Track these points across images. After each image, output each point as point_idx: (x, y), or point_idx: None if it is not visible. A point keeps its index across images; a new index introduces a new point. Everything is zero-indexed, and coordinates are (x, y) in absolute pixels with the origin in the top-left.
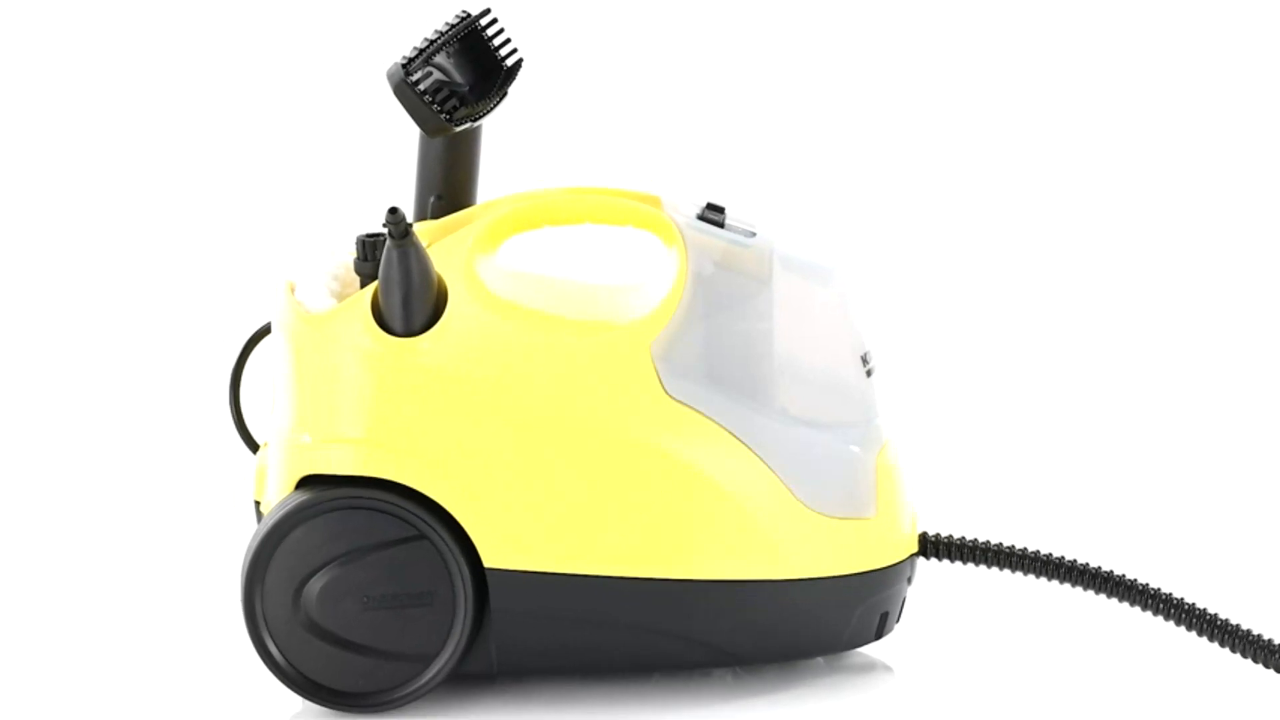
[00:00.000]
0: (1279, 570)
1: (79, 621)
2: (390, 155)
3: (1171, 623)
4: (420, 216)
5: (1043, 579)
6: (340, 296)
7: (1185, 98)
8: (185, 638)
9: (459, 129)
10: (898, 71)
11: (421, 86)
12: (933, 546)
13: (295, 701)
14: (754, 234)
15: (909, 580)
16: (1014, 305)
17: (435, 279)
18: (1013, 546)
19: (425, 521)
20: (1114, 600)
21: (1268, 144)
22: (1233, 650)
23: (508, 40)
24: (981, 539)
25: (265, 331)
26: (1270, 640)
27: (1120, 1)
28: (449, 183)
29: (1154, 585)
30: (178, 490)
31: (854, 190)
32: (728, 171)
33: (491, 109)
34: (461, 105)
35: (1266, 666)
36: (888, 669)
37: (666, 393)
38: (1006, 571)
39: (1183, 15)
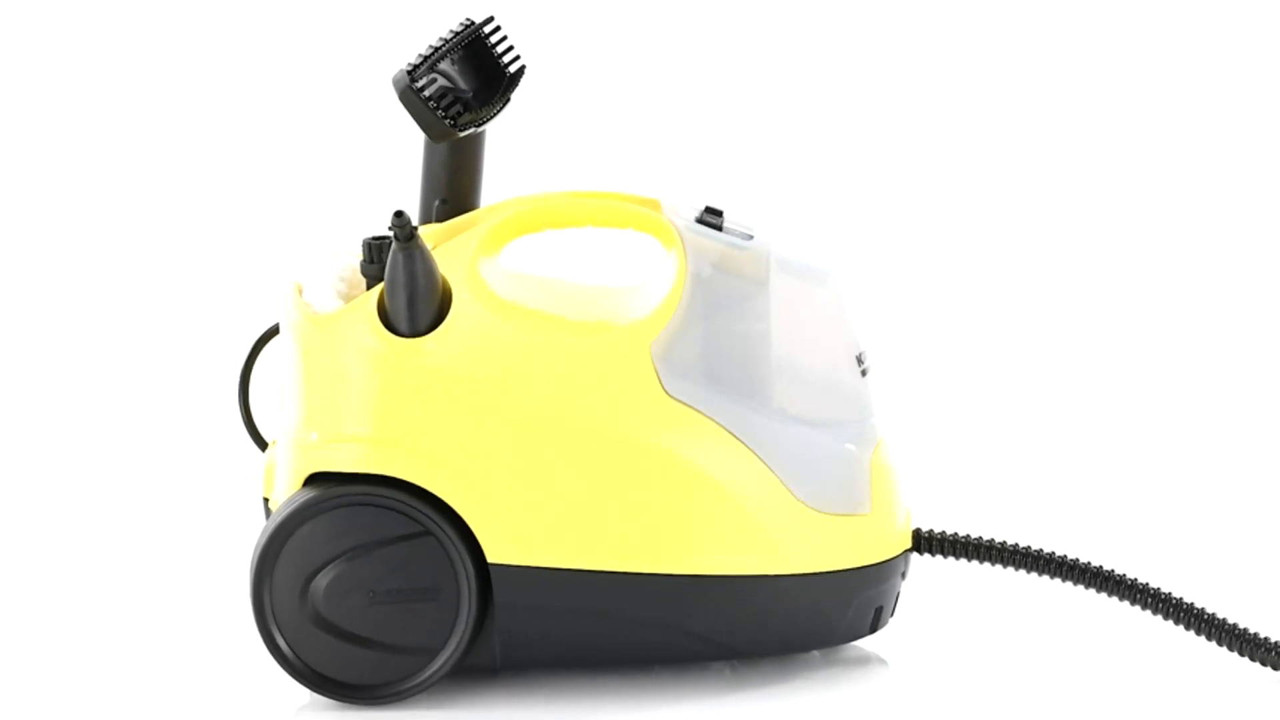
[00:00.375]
0: (1268, 565)
1: (91, 615)
2: (395, 160)
3: (1160, 617)
4: (425, 220)
5: (1033, 574)
6: (347, 298)
7: (1178, 99)
8: (195, 631)
9: (463, 134)
10: (890, 78)
11: (426, 93)
12: (926, 542)
13: (302, 694)
14: (751, 237)
15: (903, 575)
16: (1005, 307)
17: (440, 281)
18: (1004, 542)
19: (430, 518)
20: (1103, 595)
21: (1264, 144)
22: (1220, 644)
23: (511, 47)
24: (974, 535)
25: (273, 332)
26: (1258, 634)
27: (1117, 2)
28: (453, 187)
29: (1142, 580)
30: (189, 487)
31: (849, 194)
32: (726, 175)
33: (495, 114)
34: (465, 111)
35: (1253, 660)
36: (882, 662)
37: (666, 392)
38: (998, 567)
39: (1180, 15)
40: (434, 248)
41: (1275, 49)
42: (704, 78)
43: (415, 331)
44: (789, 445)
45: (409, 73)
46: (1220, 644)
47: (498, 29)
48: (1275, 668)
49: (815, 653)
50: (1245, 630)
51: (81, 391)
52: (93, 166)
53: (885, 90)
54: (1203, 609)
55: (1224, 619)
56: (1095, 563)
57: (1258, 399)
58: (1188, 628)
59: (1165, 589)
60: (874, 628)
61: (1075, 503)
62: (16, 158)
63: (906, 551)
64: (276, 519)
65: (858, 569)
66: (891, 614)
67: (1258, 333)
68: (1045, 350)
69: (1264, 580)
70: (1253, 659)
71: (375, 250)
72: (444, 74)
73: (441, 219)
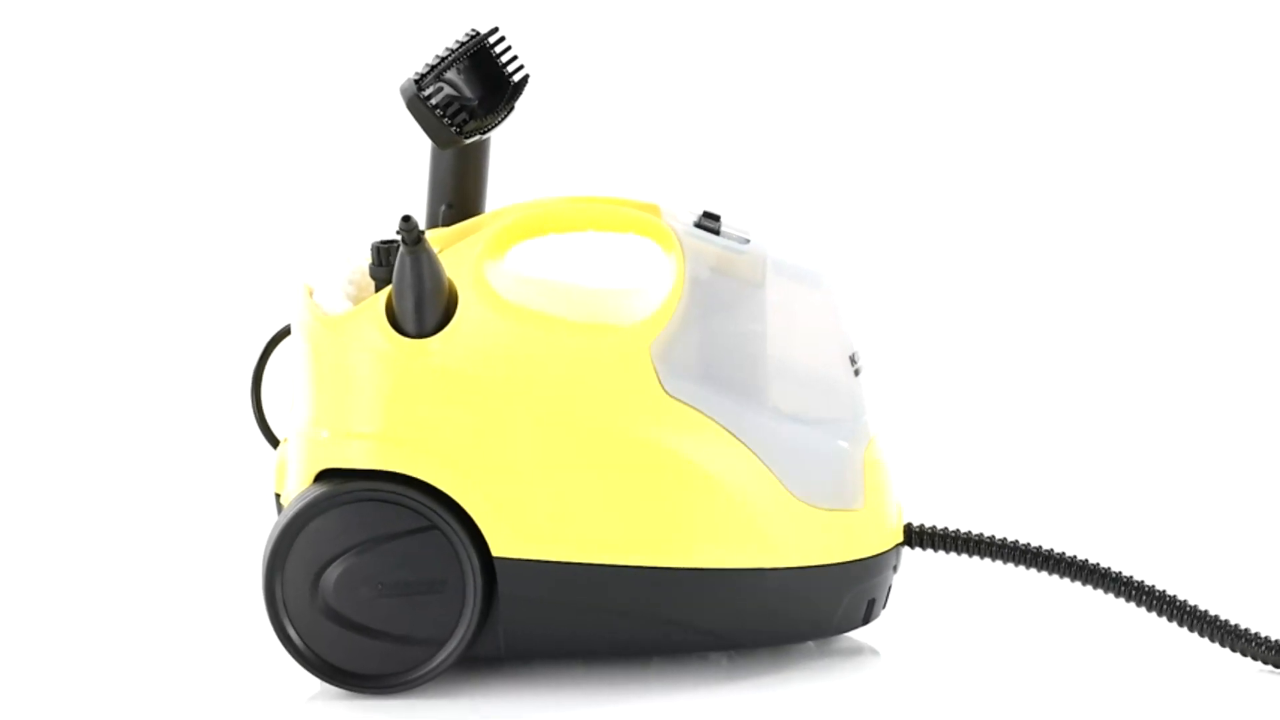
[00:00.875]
0: (1262, 561)
1: (108, 607)
2: (403, 166)
3: (1144, 609)
4: (432, 224)
5: (1021, 567)
6: (356, 300)
7: (1174, 100)
8: (210, 623)
9: (468, 141)
10: (881, 82)
11: (433, 101)
12: (917, 536)
13: (313, 683)
14: (748, 240)
15: (895, 568)
16: (994, 308)
17: (446, 283)
18: (993, 536)
19: (436, 513)
20: (1089, 588)
21: (1262, 144)
22: (1201, 635)
23: (515, 57)
24: (963, 529)
25: (285, 333)
26: (1239, 626)
27: (1107, 4)
28: (459, 192)
29: (1127, 573)
30: (203, 483)
31: (843, 199)
32: (723, 181)
33: (499, 122)
34: (471, 119)
35: (1234, 650)
36: (875, 652)
37: (665, 391)
38: (987, 560)
39: (1178, 15)
40: (440, 251)
41: (1274, 49)
42: (700, 89)
43: (422, 332)
44: (784, 442)
45: (416, 82)
46: (1203, 635)
47: (502, 39)
48: (1244, 653)
49: (810, 643)
50: (1229, 623)
51: (99, 391)
52: (110, 173)
53: (877, 94)
54: (1185, 601)
55: (1206, 610)
56: (1084, 557)
57: (1245, 390)
58: (1171, 619)
59: (1154, 583)
60: (867, 619)
61: (1064, 498)
62: (32, 164)
63: (898, 546)
64: (288, 514)
65: (851, 562)
66: (884, 606)
67: (1248, 328)
68: (1033, 349)
69: (1257, 576)
70: (1233, 649)
71: (384, 254)
72: (450, 83)
73: (447, 223)
